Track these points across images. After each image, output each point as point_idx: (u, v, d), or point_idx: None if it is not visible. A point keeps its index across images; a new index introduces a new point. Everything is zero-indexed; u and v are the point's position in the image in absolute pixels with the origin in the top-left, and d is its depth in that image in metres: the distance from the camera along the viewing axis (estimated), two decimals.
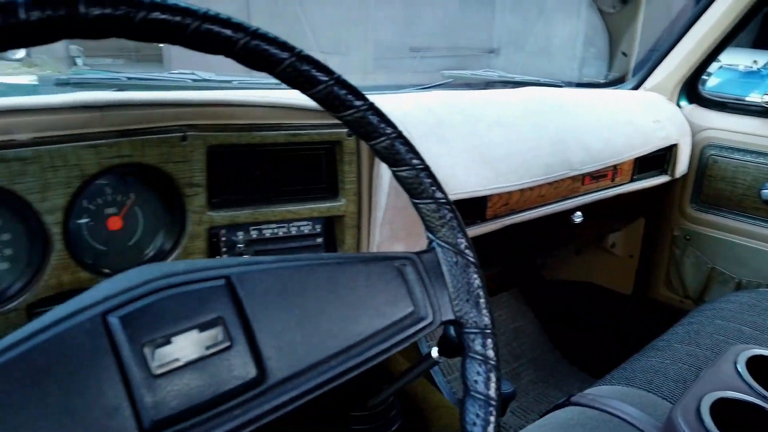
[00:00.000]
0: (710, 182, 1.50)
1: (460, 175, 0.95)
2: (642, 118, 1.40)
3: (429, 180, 0.49)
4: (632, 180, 1.38)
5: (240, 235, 0.77)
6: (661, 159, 1.45)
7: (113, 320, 0.36)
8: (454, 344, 0.76)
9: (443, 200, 0.50)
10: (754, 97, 1.52)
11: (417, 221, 0.88)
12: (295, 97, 0.76)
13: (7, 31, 0.32)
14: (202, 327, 0.39)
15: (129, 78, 0.83)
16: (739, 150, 1.44)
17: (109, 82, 0.82)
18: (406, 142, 0.48)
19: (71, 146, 0.60)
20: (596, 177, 1.28)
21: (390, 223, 0.86)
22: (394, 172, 0.50)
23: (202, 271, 0.41)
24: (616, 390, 0.88)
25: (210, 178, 0.71)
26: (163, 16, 0.37)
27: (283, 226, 0.80)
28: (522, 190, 1.10)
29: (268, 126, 0.73)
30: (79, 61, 1.21)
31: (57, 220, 0.62)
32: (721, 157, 1.47)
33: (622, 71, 1.81)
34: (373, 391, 1.08)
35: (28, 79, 0.97)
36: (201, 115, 0.69)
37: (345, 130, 0.78)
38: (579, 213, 1.35)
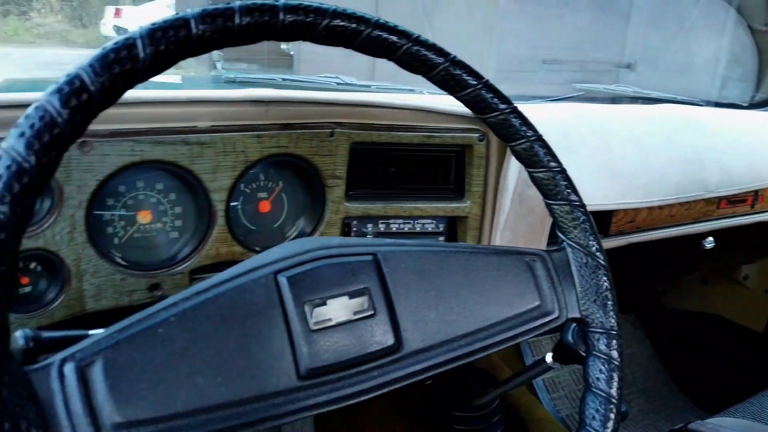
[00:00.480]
0: None
1: (586, 187, 0.95)
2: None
3: (564, 183, 0.52)
4: None
5: (369, 227, 0.83)
6: None
7: (282, 279, 0.43)
8: (571, 351, 0.77)
9: (577, 203, 0.52)
10: None
11: (537, 228, 0.90)
12: (431, 101, 0.81)
13: (224, 33, 0.39)
14: (352, 294, 0.44)
15: (284, 79, 0.93)
16: None
17: (267, 82, 0.91)
18: (545, 145, 0.51)
19: (240, 135, 0.69)
20: (734, 201, 1.21)
21: (511, 228, 0.89)
22: (530, 173, 0.53)
23: (354, 246, 0.46)
24: (740, 423, 0.84)
25: (350, 171, 0.78)
26: (343, 23, 0.43)
27: (409, 222, 0.86)
28: (650, 208, 1.07)
29: (405, 127, 0.78)
30: (218, 64, 1.35)
31: (222, 198, 0.71)
32: None
33: None
34: (478, 393, 1.11)
35: (174, 78, 1.10)
36: (347, 115, 0.76)
37: (476, 135, 0.81)
38: (711, 238, 1.28)
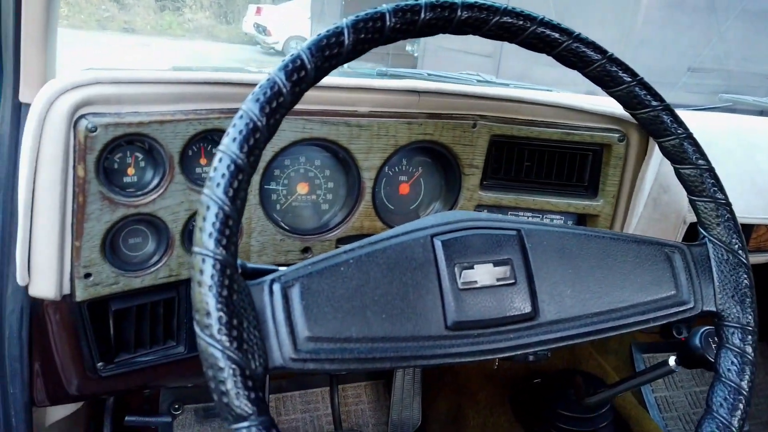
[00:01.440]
0: None
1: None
2: None
3: (712, 180, 0.53)
4: None
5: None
6: None
7: (437, 242, 0.49)
8: (697, 355, 0.77)
9: (723, 201, 0.53)
10: None
11: (668, 234, 0.90)
12: (572, 99, 0.84)
13: (412, 25, 0.46)
14: (496, 263, 0.50)
15: (429, 74, 1.00)
16: None
17: (413, 76, 0.99)
18: (695, 143, 0.53)
19: (393, 121, 0.76)
20: None
21: (642, 232, 0.89)
22: (677, 170, 0.55)
23: (501, 221, 0.52)
24: None
25: (486, 162, 0.83)
26: (511, 20, 0.49)
27: (538, 216, 0.89)
28: None
29: (545, 123, 0.82)
30: (345, 65, 1.44)
31: (371, 177, 0.79)
32: None
33: None
34: (589, 393, 1.11)
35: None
36: (490, 108, 0.81)
37: (617, 135, 0.83)
38: None
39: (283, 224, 0.80)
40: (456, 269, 0.48)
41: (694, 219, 0.82)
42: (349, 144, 0.76)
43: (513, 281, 0.49)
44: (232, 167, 0.40)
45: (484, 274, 0.49)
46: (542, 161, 0.85)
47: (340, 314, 0.44)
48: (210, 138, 0.73)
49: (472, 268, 0.49)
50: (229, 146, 0.40)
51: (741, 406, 0.49)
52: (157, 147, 0.68)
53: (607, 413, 1.17)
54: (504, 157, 0.85)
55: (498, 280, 0.49)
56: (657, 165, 0.86)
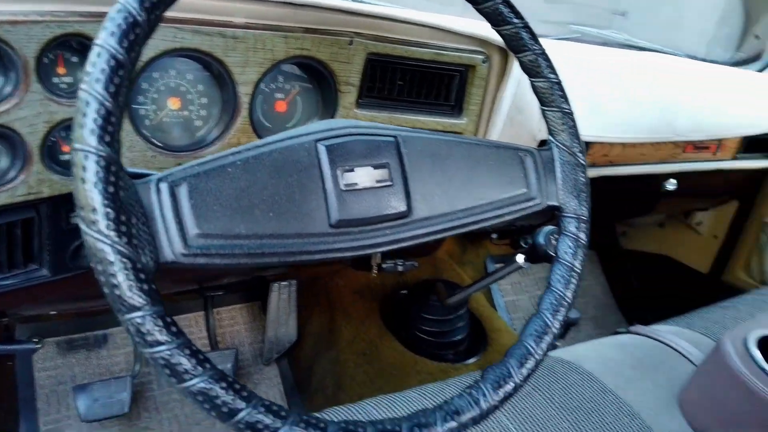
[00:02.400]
0: None
1: None
2: (761, 100, 1.42)
3: (560, 92, 0.61)
4: (734, 158, 1.42)
5: None
6: (767, 143, 1.46)
7: (321, 146, 0.52)
8: (541, 252, 0.89)
9: (568, 111, 0.62)
10: None
11: None
12: (442, 19, 0.88)
13: None
14: (375, 166, 0.54)
15: None
16: None
17: None
18: (548, 59, 0.60)
19: (270, 34, 0.76)
20: (699, 147, 1.33)
21: None
22: (532, 82, 0.62)
23: (380, 128, 0.55)
24: (675, 329, 0.98)
25: (362, 80, 0.86)
26: None
27: None
28: (624, 145, 1.18)
29: (418, 43, 0.86)
30: None
31: (247, 92, 0.78)
32: None
33: (751, 53, 1.78)
34: (449, 294, 1.23)
35: None
36: (365, 26, 0.83)
37: (481, 56, 0.89)
38: (673, 181, 1.40)
39: (153, 141, 0.77)
40: (338, 172, 0.52)
41: (543, 137, 0.92)
42: (225, 56, 0.74)
43: (390, 183, 0.54)
44: (112, 62, 0.39)
45: (364, 176, 0.53)
46: (414, 81, 0.90)
47: (229, 212, 0.45)
48: (69, 44, 0.67)
49: (353, 171, 0.52)
50: (107, 40, 0.39)
51: (574, 281, 0.59)
52: (9, 51, 0.62)
53: (463, 314, 1.31)
54: (379, 76, 0.88)
55: (377, 182, 0.53)
56: (514, 87, 0.94)
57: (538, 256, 0.87)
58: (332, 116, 0.87)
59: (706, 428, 0.76)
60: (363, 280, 1.43)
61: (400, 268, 1.17)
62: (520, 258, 0.92)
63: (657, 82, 1.25)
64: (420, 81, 0.90)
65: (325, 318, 1.39)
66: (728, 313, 1.05)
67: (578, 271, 0.59)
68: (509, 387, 0.52)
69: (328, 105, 0.87)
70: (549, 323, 0.56)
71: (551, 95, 0.61)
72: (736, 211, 1.69)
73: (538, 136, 1.00)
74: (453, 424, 0.48)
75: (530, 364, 0.53)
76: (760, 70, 1.59)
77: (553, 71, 0.61)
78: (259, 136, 0.83)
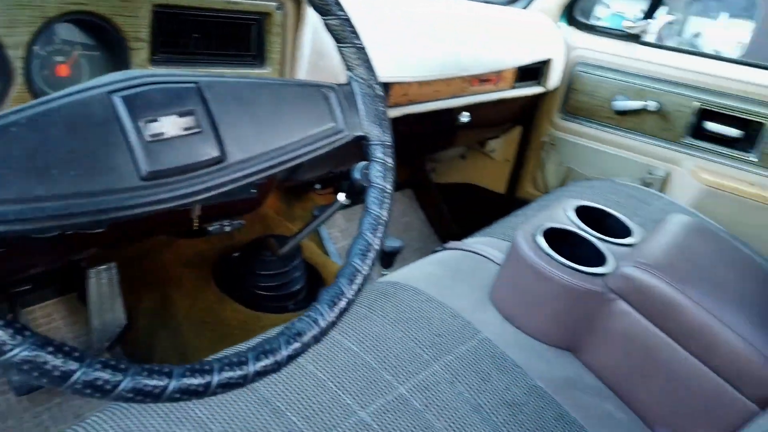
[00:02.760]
0: (575, 95, 1.77)
1: None
2: (527, 34, 1.62)
3: (350, 29, 0.65)
4: (512, 87, 1.61)
5: None
6: (537, 72, 1.68)
7: (116, 98, 0.49)
8: (358, 186, 0.94)
9: (361, 46, 0.66)
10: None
11: None
12: None
13: None
14: (180, 114, 0.53)
15: None
16: (599, 67, 1.71)
17: None
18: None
19: None
20: (483, 80, 1.48)
21: None
22: (324, 21, 0.65)
23: (179, 75, 0.54)
24: (481, 239, 1.12)
25: (153, 35, 0.81)
26: None
27: None
28: (420, 83, 1.28)
29: None
30: None
31: (19, 56, 0.70)
32: (586, 73, 1.73)
33: None
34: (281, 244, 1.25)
35: None
36: None
37: (275, 3, 0.90)
38: (467, 113, 1.56)
39: None
40: (140, 123, 0.50)
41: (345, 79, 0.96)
42: None
43: (199, 129, 0.54)
44: None
45: (170, 125, 0.52)
46: (210, 32, 0.87)
47: (23, 174, 0.42)
48: None
49: (156, 120, 0.51)
50: None
51: (387, 201, 0.65)
52: None
53: (298, 265, 1.35)
54: (172, 30, 0.84)
55: (185, 129, 0.53)
56: (311, 33, 0.97)
57: (357, 191, 0.93)
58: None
59: (514, 314, 0.90)
60: (192, 251, 1.39)
61: (227, 229, 1.16)
62: (341, 196, 0.97)
63: (442, 23, 1.36)
64: (217, 32, 0.88)
65: (156, 295, 1.33)
66: (519, 219, 1.22)
67: (389, 191, 0.65)
68: (343, 303, 0.56)
69: (119, 65, 0.82)
70: (370, 241, 0.61)
71: (343, 32, 0.65)
72: (520, 135, 1.94)
73: (341, 78, 1.04)
74: (297, 345, 0.51)
75: (359, 279, 0.58)
76: (525, 7, 1.81)
77: (342, 9, 0.64)
78: None
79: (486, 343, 0.83)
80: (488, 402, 0.74)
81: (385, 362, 0.75)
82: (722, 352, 0.75)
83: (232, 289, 1.31)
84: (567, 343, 0.88)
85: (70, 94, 0.47)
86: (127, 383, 0.40)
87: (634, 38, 1.71)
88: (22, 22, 0.69)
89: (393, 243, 1.19)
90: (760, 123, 1.51)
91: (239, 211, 1.16)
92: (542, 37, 1.68)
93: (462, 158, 2.11)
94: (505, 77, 1.57)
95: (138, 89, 0.51)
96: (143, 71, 0.53)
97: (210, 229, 1.12)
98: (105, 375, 0.40)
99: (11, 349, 0.36)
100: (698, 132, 1.61)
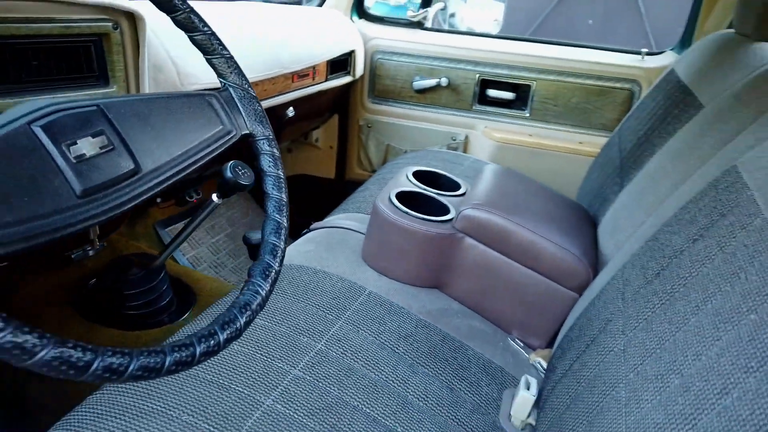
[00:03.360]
0: (379, 80, 1.98)
1: (200, 69, 1.16)
2: (330, 30, 1.78)
3: (217, 41, 0.73)
4: (327, 80, 1.76)
5: None
6: (345, 63, 1.86)
7: (36, 128, 0.53)
8: (231, 183, 1.01)
9: (229, 56, 0.74)
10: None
11: None
12: None
13: None
14: (93, 135, 0.57)
15: None
16: (395, 53, 1.94)
17: None
18: (198, 15, 0.70)
19: None
20: (301, 76, 1.61)
21: None
22: (190, 37, 0.71)
23: (80, 101, 0.58)
24: (340, 216, 1.25)
25: None
26: None
27: None
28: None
29: (43, 19, 0.83)
30: None
31: None
32: (385, 60, 1.95)
33: None
34: (147, 262, 1.25)
35: None
36: None
37: (111, 23, 0.92)
38: (291, 108, 1.67)
39: None
40: (63, 147, 0.54)
41: (188, 88, 1.02)
42: None
43: (113, 147, 0.58)
44: None
45: (88, 146, 0.56)
46: (50, 58, 0.87)
47: None
48: None
49: (76, 143, 0.55)
50: None
51: (284, 186, 0.74)
52: None
53: (164, 277, 1.35)
54: (9, 60, 0.82)
55: (101, 148, 0.57)
56: (147, 48, 1.00)
57: (230, 187, 0.99)
58: None
59: (387, 268, 1.05)
60: (43, 287, 1.30)
61: (90, 253, 1.13)
62: (214, 197, 1.02)
63: (257, 28, 1.45)
64: (57, 58, 0.88)
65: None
66: (365, 193, 1.38)
67: (283, 177, 0.75)
68: (273, 274, 0.65)
69: None
70: (279, 221, 0.71)
71: (211, 45, 0.72)
72: (338, 122, 2.10)
73: (180, 89, 1.09)
74: (248, 313, 0.60)
75: (280, 253, 0.68)
76: (319, 5, 1.96)
77: (206, 24, 0.71)
78: None
79: (373, 296, 0.97)
80: (388, 339, 0.88)
81: (298, 328, 0.85)
82: (546, 259, 0.99)
83: (99, 317, 1.27)
84: (433, 282, 1.06)
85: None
86: (134, 364, 0.46)
87: (419, 25, 1.97)
88: None
89: (256, 235, 1.26)
90: (528, 85, 1.86)
91: (98, 235, 1.14)
92: (342, 32, 1.85)
93: (289, 152, 2.21)
94: (320, 71, 1.71)
95: (50, 117, 0.55)
96: (46, 101, 0.57)
97: (73, 256, 1.09)
98: (116, 360, 0.45)
99: (41, 350, 0.41)
100: (483, 99, 1.92)
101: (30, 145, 0.51)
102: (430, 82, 1.92)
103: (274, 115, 1.59)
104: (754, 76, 0.95)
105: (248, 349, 0.80)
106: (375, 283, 1.01)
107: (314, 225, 1.22)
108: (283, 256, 0.68)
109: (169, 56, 1.08)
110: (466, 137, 1.97)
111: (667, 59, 1.75)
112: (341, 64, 1.83)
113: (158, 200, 1.66)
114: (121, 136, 0.60)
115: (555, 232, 1.02)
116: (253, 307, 0.61)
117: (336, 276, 1.00)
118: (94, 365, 0.45)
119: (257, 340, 0.82)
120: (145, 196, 0.61)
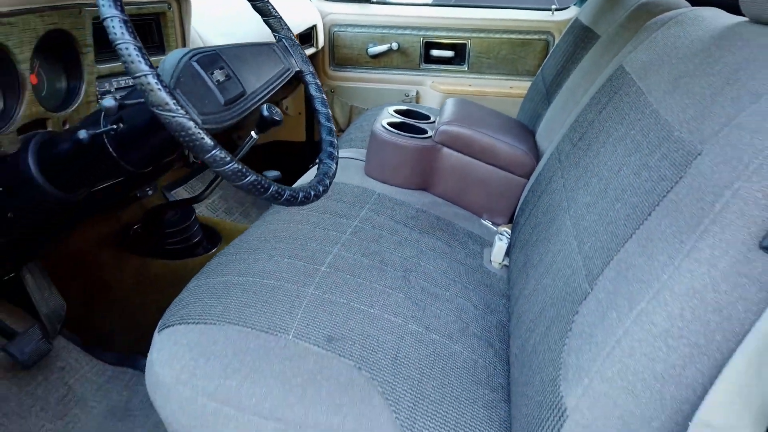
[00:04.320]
0: (338, 50, 2.30)
1: (217, 41, 1.46)
2: (291, 8, 2.08)
3: (272, 7, 1.04)
4: None
5: (114, 81, 1.15)
6: (309, 36, 2.16)
7: (194, 63, 0.83)
8: (269, 119, 1.32)
9: (280, 17, 1.05)
10: None
11: None
12: None
13: None
14: (219, 68, 0.88)
15: None
16: (350, 25, 2.26)
17: None
18: (271, 4, 1.01)
19: (31, 16, 0.91)
20: None
21: None
22: (265, 20, 1.02)
23: (205, 49, 0.89)
24: (344, 151, 1.58)
25: (95, 41, 1.07)
26: None
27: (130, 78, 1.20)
28: None
29: (129, 3, 1.11)
30: None
31: (27, 68, 0.93)
32: (341, 32, 2.27)
33: None
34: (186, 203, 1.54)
35: None
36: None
37: (166, 5, 1.20)
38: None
39: None
40: (209, 74, 0.85)
41: None
42: (7, 41, 0.88)
43: (230, 77, 0.89)
44: None
45: (219, 75, 0.87)
46: None
47: (196, 101, 0.76)
48: None
49: (213, 72, 0.86)
50: None
51: (327, 104, 1.07)
52: None
53: (195, 219, 1.64)
54: (105, 35, 1.10)
55: (225, 77, 0.88)
56: (192, 24, 1.29)
57: (267, 123, 1.29)
58: (80, 74, 1.07)
59: (386, 177, 1.39)
60: (95, 233, 1.56)
61: (149, 192, 1.41)
62: (253, 133, 1.32)
63: (236, 3, 1.74)
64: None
65: (83, 278, 1.48)
66: (350, 136, 1.71)
67: (326, 100, 1.07)
68: (336, 157, 0.99)
69: (72, 68, 1.06)
70: (330, 126, 1.04)
71: (267, 9, 1.04)
72: (306, 90, 2.40)
73: None
74: (328, 180, 0.93)
75: (335, 144, 1.01)
76: None
77: (276, 11, 1.03)
78: (43, 106, 0.98)
79: (382, 195, 1.31)
80: (400, 219, 1.23)
81: (337, 213, 1.19)
82: (502, 156, 1.37)
83: (149, 252, 1.55)
84: (422, 185, 1.42)
85: (177, 63, 0.81)
86: (286, 192, 0.79)
87: (368, 0, 2.30)
88: (25, 42, 0.92)
89: (272, 174, 1.57)
90: (464, 44, 2.24)
91: (151, 179, 1.41)
92: (303, 9, 2.15)
93: None
94: None
95: (197, 56, 0.86)
96: (183, 50, 0.87)
97: (138, 194, 1.37)
98: (274, 188, 0.78)
99: (228, 163, 0.73)
100: (428, 58, 2.28)
101: (195, 72, 0.82)
102: (382, 47, 2.26)
103: None
104: (633, 9, 1.35)
105: (307, 228, 1.13)
106: (379, 188, 1.36)
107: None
108: (337, 148, 1.02)
109: (198, 34, 1.37)
110: (417, 92, 2.33)
111: (571, 12, 2.18)
112: (305, 37, 2.14)
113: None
114: (233, 71, 0.91)
115: (506, 136, 1.40)
116: (330, 175, 0.94)
117: (351, 185, 1.34)
118: (274, 188, 0.77)
119: (316, 222, 1.15)
120: (250, 110, 0.93)
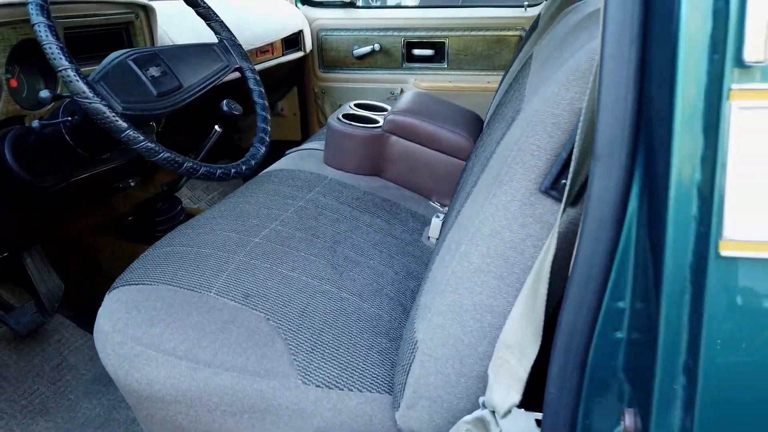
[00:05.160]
0: (326, 53, 2.44)
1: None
2: (279, 13, 2.24)
3: (213, 12, 1.18)
4: (283, 54, 2.22)
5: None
6: (296, 41, 2.31)
7: (129, 61, 0.98)
8: (228, 113, 1.47)
9: (221, 20, 1.20)
10: None
11: None
12: None
13: None
14: (155, 66, 1.03)
15: None
16: (336, 29, 2.41)
17: None
18: (210, 7, 1.16)
19: (4, 28, 1.09)
20: (263, 52, 2.06)
21: None
22: (196, 11, 1.17)
23: (144, 49, 1.04)
24: (305, 145, 1.72)
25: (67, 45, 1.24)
26: None
27: None
28: None
29: (93, 15, 1.28)
30: None
31: (1, 72, 1.10)
32: (329, 36, 2.42)
33: None
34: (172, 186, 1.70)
35: None
36: (60, 10, 1.21)
37: (132, 15, 1.37)
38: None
39: None
40: (144, 71, 0.99)
41: None
42: None
43: (167, 72, 1.04)
44: None
45: (154, 71, 1.02)
46: (98, 40, 1.32)
47: (121, 93, 0.91)
48: None
49: (149, 69, 1.01)
50: None
51: (265, 96, 1.21)
52: None
53: (181, 209, 1.80)
54: (75, 41, 1.27)
55: (161, 73, 1.03)
56: (164, 29, 1.45)
57: (227, 117, 1.45)
58: (55, 81, 1.24)
59: (341, 164, 1.52)
60: (93, 223, 1.74)
61: (132, 184, 1.58)
62: (216, 127, 1.48)
63: (221, 9, 1.90)
64: (101, 40, 1.33)
65: (79, 260, 1.66)
66: (322, 131, 1.85)
67: (264, 91, 1.21)
68: (266, 142, 1.12)
69: (48, 73, 1.23)
70: (265, 115, 1.18)
71: (209, 14, 1.18)
72: (297, 92, 2.56)
73: None
74: (254, 162, 1.06)
75: (268, 130, 1.14)
76: None
77: (216, 15, 1.18)
78: (18, 105, 1.15)
79: (332, 180, 1.44)
80: (345, 200, 1.36)
81: (285, 195, 1.32)
82: (445, 142, 1.48)
83: (141, 239, 1.72)
84: (374, 171, 1.54)
85: (111, 61, 0.96)
86: (202, 169, 0.93)
87: (352, 5, 2.44)
88: (0, 51, 1.09)
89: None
90: (443, 42, 2.34)
91: (134, 174, 1.59)
92: (289, 15, 2.31)
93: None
94: (277, 47, 2.16)
95: (134, 56, 1.01)
96: (125, 50, 1.02)
97: (121, 185, 1.54)
98: (189, 163, 0.92)
99: (141, 141, 0.87)
100: (410, 57, 2.40)
101: (128, 69, 0.97)
102: (367, 49, 2.39)
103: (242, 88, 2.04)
104: (557, 4, 1.45)
105: (252, 207, 1.26)
106: (333, 174, 1.49)
107: (289, 151, 1.69)
108: (269, 134, 1.15)
109: (168, 36, 1.53)
110: (401, 90, 2.45)
111: (542, 7, 2.26)
112: (293, 42, 2.29)
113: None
114: (169, 67, 1.06)
115: (449, 123, 1.51)
116: (258, 157, 1.08)
117: (306, 171, 1.47)
118: (189, 164, 0.91)
119: (262, 203, 1.29)
120: (186, 101, 1.07)
